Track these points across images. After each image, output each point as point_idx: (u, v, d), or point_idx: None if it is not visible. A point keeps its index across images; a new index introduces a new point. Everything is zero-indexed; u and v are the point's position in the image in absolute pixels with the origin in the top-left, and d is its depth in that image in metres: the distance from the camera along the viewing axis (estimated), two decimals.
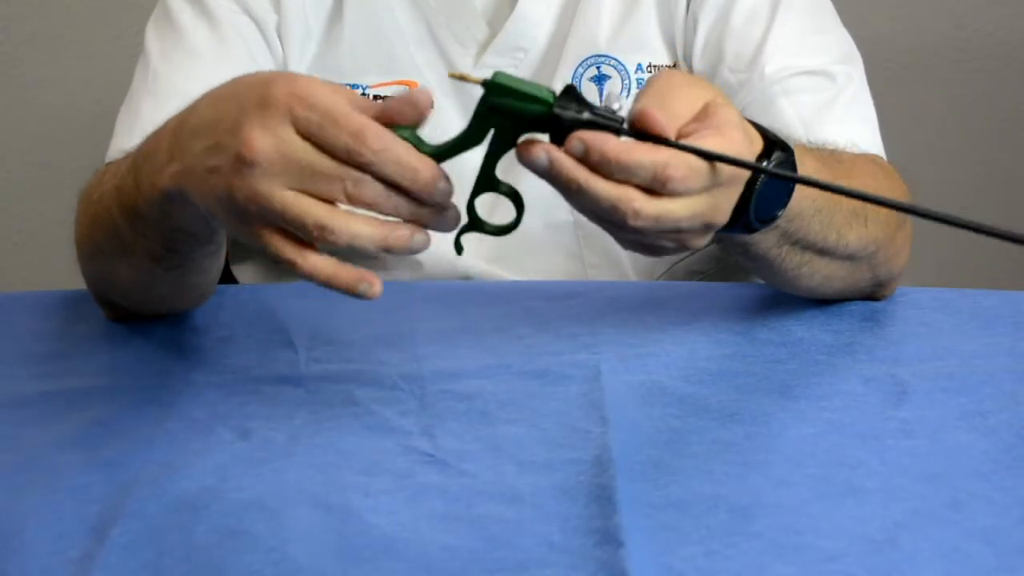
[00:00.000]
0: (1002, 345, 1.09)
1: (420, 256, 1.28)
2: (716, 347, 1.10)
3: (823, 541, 0.85)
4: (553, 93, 0.86)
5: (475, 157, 0.88)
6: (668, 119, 0.88)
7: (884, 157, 1.24)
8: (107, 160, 1.24)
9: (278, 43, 1.30)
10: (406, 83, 1.30)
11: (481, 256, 1.27)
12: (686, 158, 0.87)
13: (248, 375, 1.07)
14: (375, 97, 1.30)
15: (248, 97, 0.87)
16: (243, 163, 0.85)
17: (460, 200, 0.88)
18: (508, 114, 0.86)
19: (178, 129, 0.92)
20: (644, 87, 0.91)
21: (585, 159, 0.86)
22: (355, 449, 0.97)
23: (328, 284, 0.87)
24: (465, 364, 1.07)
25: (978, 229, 0.82)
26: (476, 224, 0.90)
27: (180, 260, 1.05)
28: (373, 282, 0.86)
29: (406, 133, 0.86)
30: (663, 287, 1.23)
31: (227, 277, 1.31)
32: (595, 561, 0.83)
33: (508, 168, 0.88)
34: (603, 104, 0.87)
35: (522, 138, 0.87)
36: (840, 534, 0.86)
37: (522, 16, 1.29)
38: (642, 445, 0.96)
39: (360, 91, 1.30)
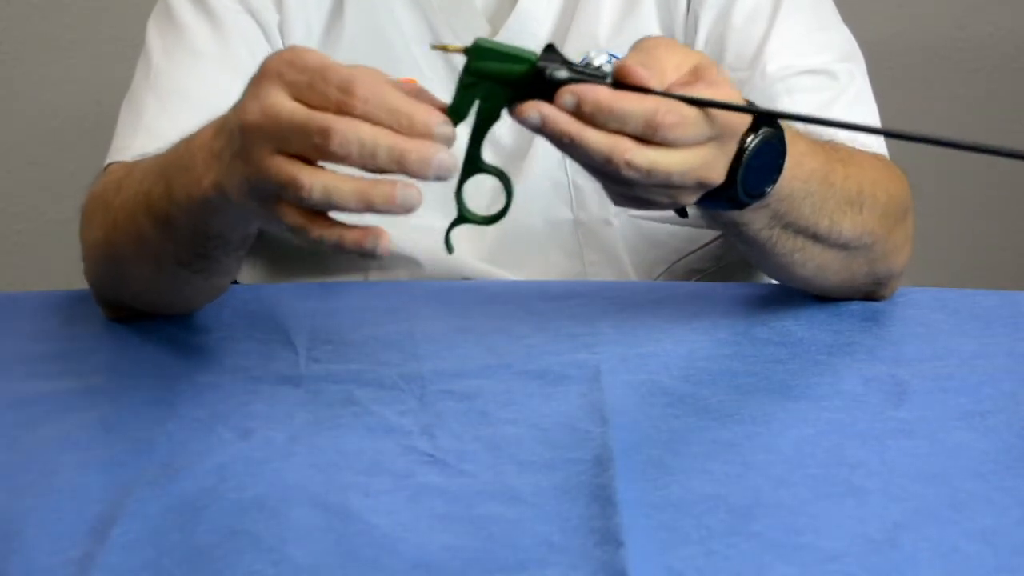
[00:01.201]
0: (1002, 345, 1.09)
1: (420, 256, 1.28)
2: (716, 347, 1.10)
3: (823, 541, 0.85)
4: (535, 53, 0.86)
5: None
6: (653, 72, 0.88)
7: (887, 155, 1.24)
8: (109, 159, 1.24)
9: (280, 42, 1.30)
10: (406, 81, 1.30)
11: (481, 255, 1.27)
12: (678, 105, 0.88)
13: (248, 375, 1.07)
14: None
15: (254, 79, 0.88)
16: (243, 135, 0.86)
17: (447, 188, 0.88)
18: (493, 77, 0.86)
19: (213, 138, 0.92)
20: (632, 47, 0.91)
21: (577, 111, 0.86)
22: (355, 449, 0.97)
23: (339, 246, 0.86)
24: (465, 364, 1.07)
25: (970, 148, 0.82)
26: (464, 215, 0.89)
27: (209, 264, 1.05)
28: (380, 236, 0.85)
29: None
30: (663, 287, 1.23)
31: None
32: (595, 561, 0.83)
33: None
34: (584, 63, 0.87)
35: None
36: (840, 534, 0.86)
37: (523, 13, 1.29)
38: (642, 445, 0.96)
39: None
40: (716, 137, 0.91)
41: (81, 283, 1.18)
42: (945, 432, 0.97)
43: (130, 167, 1.12)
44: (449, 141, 0.84)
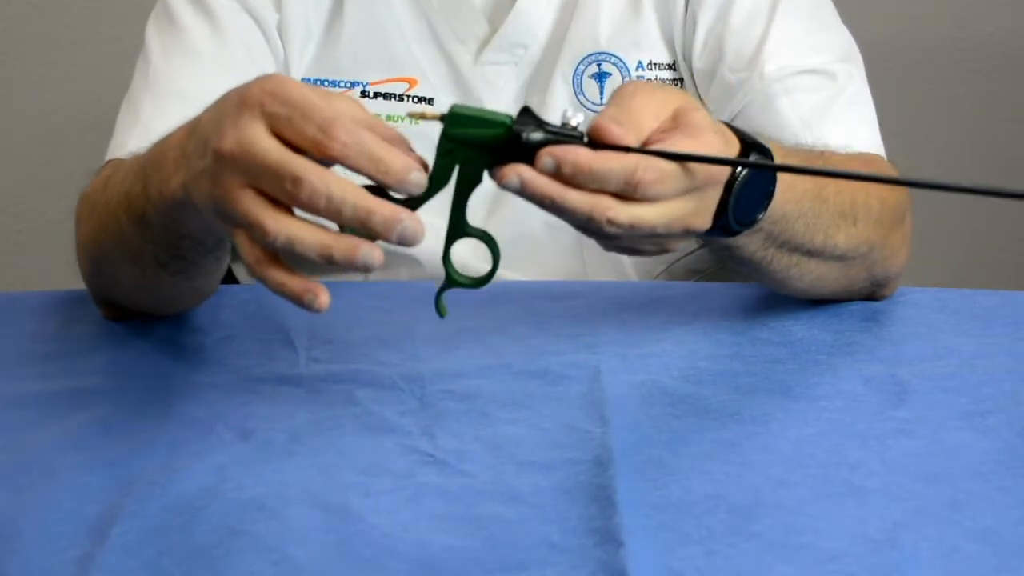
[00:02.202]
0: (1002, 345, 1.09)
1: (420, 256, 1.28)
2: (716, 347, 1.10)
3: (823, 541, 0.85)
4: (510, 116, 0.86)
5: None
6: (628, 128, 0.88)
7: (884, 156, 1.24)
8: (107, 157, 1.24)
9: (279, 42, 1.30)
10: (407, 80, 1.30)
11: (480, 256, 1.27)
12: (656, 162, 0.88)
13: (248, 375, 1.07)
14: (376, 94, 1.30)
15: (231, 98, 0.87)
16: (216, 161, 0.86)
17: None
18: (470, 143, 0.86)
19: (186, 138, 0.92)
20: (610, 98, 0.91)
21: (557, 173, 0.86)
22: (355, 449, 0.97)
23: (278, 292, 0.86)
24: (465, 364, 1.07)
25: (965, 190, 0.83)
26: (453, 279, 0.89)
27: (186, 266, 1.05)
28: (318, 294, 0.85)
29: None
30: (663, 287, 1.23)
31: (227, 277, 1.31)
32: (595, 561, 0.83)
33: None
34: (561, 123, 0.87)
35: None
36: (840, 534, 0.86)
37: (522, 13, 1.29)
38: (642, 445, 0.96)
39: (360, 88, 1.30)
40: (697, 187, 0.90)
41: (81, 283, 1.18)
42: (945, 432, 0.97)
43: (118, 165, 1.13)
44: (419, 187, 0.84)
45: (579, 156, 0.86)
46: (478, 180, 0.87)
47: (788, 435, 0.98)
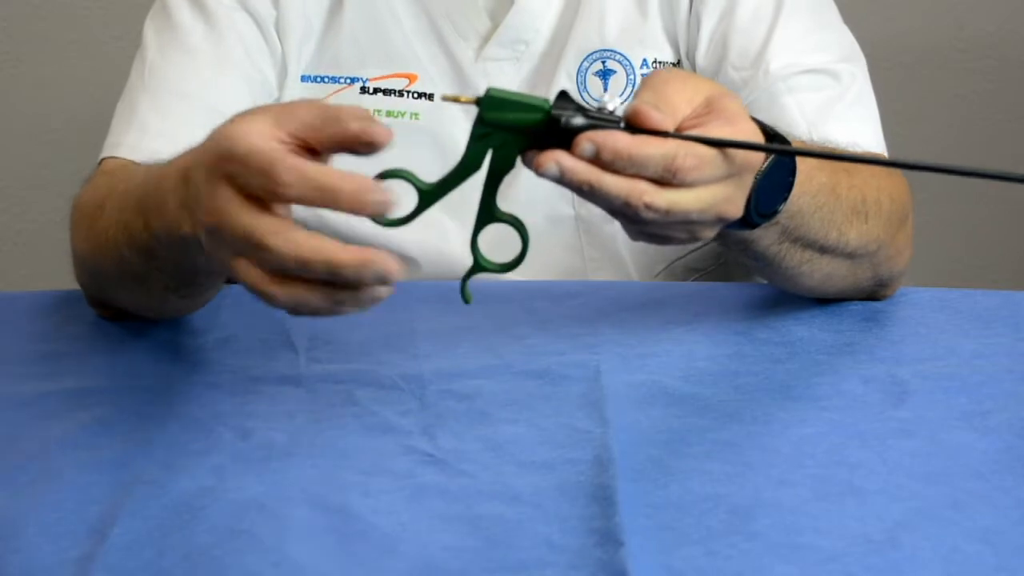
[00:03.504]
0: (1002, 345, 1.09)
1: (420, 256, 1.28)
2: (716, 347, 1.10)
3: (823, 541, 0.85)
4: (547, 100, 0.85)
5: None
6: (665, 113, 0.88)
7: (886, 155, 1.24)
8: (104, 154, 1.24)
9: (276, 40, 1.30)
10: (407, 76, 1.30)
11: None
12: (695, 147, 0.87)
13: (248, 375, 1.07)
14: (375, 90, 1.30)
15: (203, 160, 0.85)
16: (206, 235, 0.85)
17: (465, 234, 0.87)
18: (506, 127, 0.85)
19: (181, 186, 0.90)
20: (641, 84, 0.91)
21: (596, 158, 0.85)
22: (355, 449, 0.97)
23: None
24: (465, 364, 1.07)
25: (977, 174, 0.83)
26: (481, 264, 0.88)
27: (194, 290, 1.05)
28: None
29: (404, 172, 0.86)
30: (663, 287, 1.23)
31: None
32: (595, 561, 0.83)
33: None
34: (597, 108, 0.87)
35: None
36: (840, 534, 0.86)
37: (523, 8, 1.29)
38: (642, 445, 0.96)
39: (360, 83, 1.30)
40: (734, 174, 0.90)
41: None
42: (945, 432, 0.97)
43: (112, 183, 1.11)
44: (383, 207, 0.81)
45: (619, 141, 0.85)
46: (511, 165, 0.86)
47: (788, 435, 0.98)
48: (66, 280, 1.19)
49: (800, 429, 0.98)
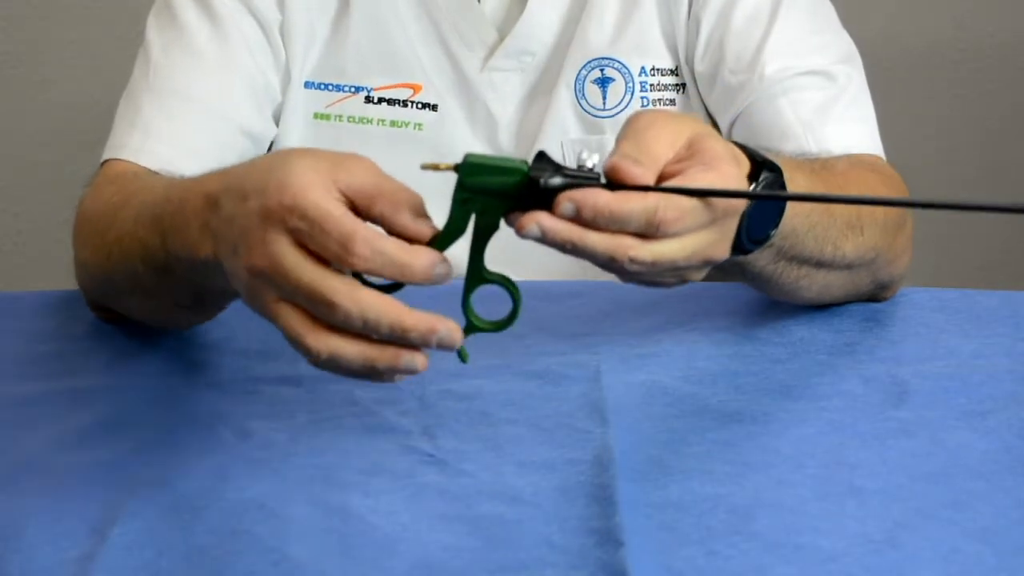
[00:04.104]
0: (1002, 345, 1.09)
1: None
2: (716, 347, 1.10)
3: (823, 541, 0.85)
4: (525, 162, 0.85)
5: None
6: (646, 165, 0.87)
7: (883, 157, 1.24)
8: (107, 155, 1.24)
9: (280, 44, 1.29)
10: (411, 86, 1.30)
11: None
12: (676, 199, 0.87)
13: (248, 375, 1.07)
14: (380, 99, 1.30)
15: (254, 205, 0.85)
16: (252, 274, 0.85)
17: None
18: (486, 192, 0.85)
19: (206, 210, 0.90)
20: (622, 130, 0.90)
21: (578, 217, 0.85)
22: (355, 449, 0.97)
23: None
24: (465, 364, 1.07)
25: (977, 208, 0.83)
26: (474, 324, 0.88)
27: (208, 308, 1.05)
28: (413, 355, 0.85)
29: None
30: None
31: None
32: (595, 561, 0.83)
33: None
34: (576, 165, 0.87)
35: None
36: (840, 534, 0.86)
37: (530, 21, 1.29)
38: (642, 445, 0.96)
39: (365, 93, 1.30)
40: (717, 219, 0.90)
41: None
42: (945, 432, 0.97)
43: (124, 193, 1.10)
44: (446, 278, 0.85)
45: (599, 200, 0.85)
46: (495, 227, 0.86)
47: (788, 435, 0.98)
48: (66, 280, 1.19)
49: (800, 429, 0.98)
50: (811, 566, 0.83)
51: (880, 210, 1.11)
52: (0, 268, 2.47)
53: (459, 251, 0.86)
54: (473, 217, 0.86)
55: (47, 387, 1.07)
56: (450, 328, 0.83)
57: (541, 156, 0.86)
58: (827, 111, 1.23)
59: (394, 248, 0.83)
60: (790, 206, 0.99)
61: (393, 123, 1.29)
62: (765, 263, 1.02)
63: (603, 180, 0.86)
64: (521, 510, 0.89)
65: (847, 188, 1.08)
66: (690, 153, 0.89)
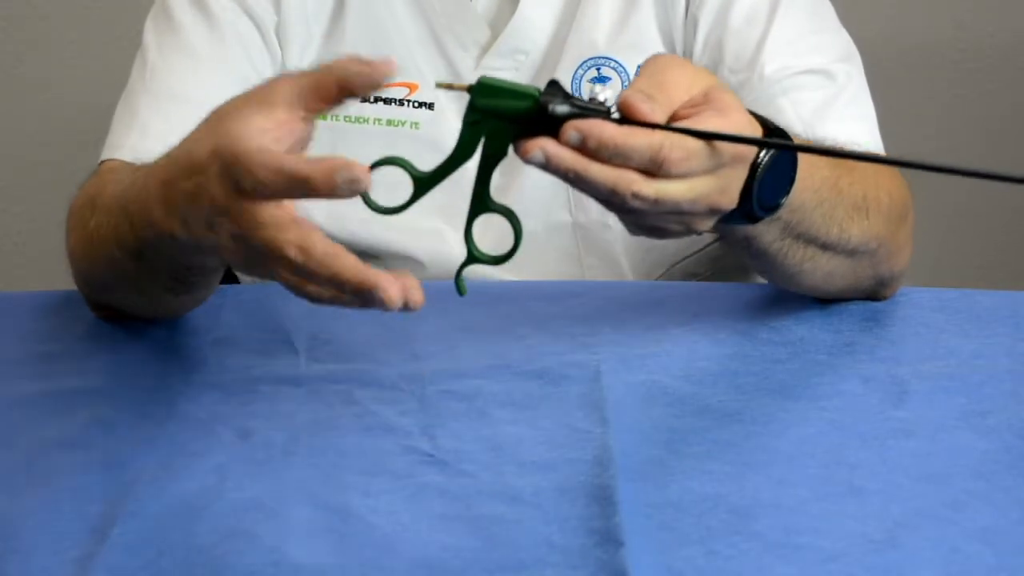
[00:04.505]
0: (1002, 345, 1.09)
1: (421, 256, 1.28)
2: (716, 347, 1.10)
3: (823, 541, 0.85)
4: (539, 89, 0.86)
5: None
6: (660, 102, 0.87)
7: (884, 153, 1.24)
8: (104, 156, 1.24)
9: (277, 45, 1.30)
10: (408, 85, 1.30)
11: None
12: (682, 139, 0.87)
13: (248, 375, 1.07)
14: (376, 99, 1.30)
15: (212, 172, 0.84)
16: (236, 240, 0.84)
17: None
18: (497, 114, 0.86)
19: (164, 191, 0.89)
20: (640, 70, 0.90)
21: (582, 146, 0.85)
22: (355, 449, 0.97)
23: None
24: (465, 364, 1.07)
25: (982, 175, 0.83)
26: (474, 255, 0.88)
27: (189, 287, 1.05)
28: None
29: (399, 159, 0.86)
30: (663, 287, 1.23)
31: (227, 277, 1.31)
32: (595, 561, 0.83)
33: (503, 179, 0.87)
34: (588, 97, 0.87)
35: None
36: (840, 534, 0.86)
37: (523, 19, 1.29)
38: (642, 445, 0.96)
39: None
40: (724, 165, 0.90)
41: None
42: (945, 432, 0.97)
43: (100, 185, 1.11)
44: (359, 183, 0.79)
45: (604, 131, 0.85)
46: (503, 154, 0.86)
47: (788, 435, 0.98)
48: (66, 280, 1.19)
49: (800, 429, 0.98)
50: (811, 566, 0.83)
51: (885, 197, 1.11)
52: (0, 268, 2.47)
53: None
54: (482, 141, 0.86)
55: (47, 387, 1.07)
56: (351, 173, 0.80)
57: (553, 84, 0.86)
58: (827, 110, 1.23)
59: (288, 161, 0.80)
60: (800, 180, 0.99)
61: (390, 122, 1.29)
62: (772, 239, 1.02)
63: (614, 115, 0.86)
64: (521, 510, 0.89)
65: (854, 171, 1.08)
66: (704, 100, 0.90)
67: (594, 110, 0.86)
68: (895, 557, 0.84)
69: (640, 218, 0.90)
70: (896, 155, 1.24)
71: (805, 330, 1.12)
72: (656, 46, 1.29)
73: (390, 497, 0.91)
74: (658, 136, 0.87)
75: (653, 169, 0.87)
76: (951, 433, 0.97)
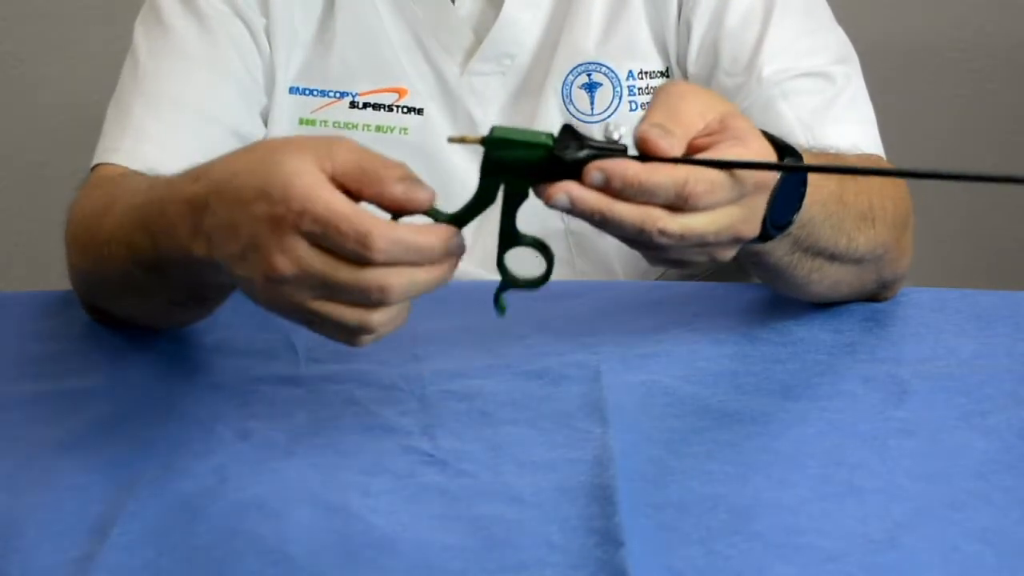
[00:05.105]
0: (1002, 345, 1.09)
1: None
2: (716, 347, 1.10)
3: (823, 541, 0.85)
4: (551, 135, 0.86)
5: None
6: (678, 135, 0.87)
7: (884, 157, 1.24)
8: (97, 160, 1.23)
9: (267, 46, 1.29)
10: (396, 90, 1.30)
11: (474, 262, 1.27)
12: (706, 172, 0.87)
13: (248, 375, 1.07)
14: (365, 105, 1.30)
15: (258, 213, 0.85)
16: (272, 281, 0.85)
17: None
18: (512, 166, 0.86)
19: (193, 213, 0.90)
20: (653, 100, 0.90)
21: (606, 187, 0.85)
22: (355, 449, 0.97)
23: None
24: (465, 364, 1.07)
25: (986, 178, 0.83)
26: (508, 281, 0.89)
27: (203, 303, 1.05)
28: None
29: (432, 211, 0.86)
30: (663, 287, 1.23)
31: None
32: (595, 561, 0.83)
33: None
34: (604, 137, 0.87)
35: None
36: (840, 534, 0.86)
37: (507, 23, 1.28)
38: (642, 445, 0.96)
39: (351, 98, 1.30)
40: (747, 194, 0.89)
41: None
42: (945, 432, 0.97)
43: (111, 195, 1.10)
44: (462, 249, 0.86)
45: (628, 170, 0.85)
46: (524, 196, 0.87)
47: (788, 435, 0.98)
48: (65, 280, 1.19)
49: (800, 429, 0.98)
50: (811, 566, 0.83)
51: (889, 205, 1.11)
52: (0, 268, 2.47)
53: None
54: (502, 187, 0.86)
55: (47, 387, 1.07)
56: (460, 240, 0.86)
57: (566, 129, 0.86)
58: (826, 112, 1.22)
59: (408, 235, 0.84)
60: (809, 196, 0.99)
61: (379, 128, 1.29)
62: (782, 254, 1.02)
63: (630, 152, 0.86)
64: (521, 510, 0.89)
65: (860, 181, 1.08)
66: (721, 127, 0.90)
67: (611, 150, 0.86)
68: (895, 557, 0.84)
69: (663, 252, 0.90)
70: (896, 155, 1.25)
71: (805, 330, 1.12)
72: (648, 50, 1.28)
73: (390, 497, 0.91)
74: (682, 171, 0.86)
75: (679, 204, 0.87)
76: (951, 433, 0.97)
